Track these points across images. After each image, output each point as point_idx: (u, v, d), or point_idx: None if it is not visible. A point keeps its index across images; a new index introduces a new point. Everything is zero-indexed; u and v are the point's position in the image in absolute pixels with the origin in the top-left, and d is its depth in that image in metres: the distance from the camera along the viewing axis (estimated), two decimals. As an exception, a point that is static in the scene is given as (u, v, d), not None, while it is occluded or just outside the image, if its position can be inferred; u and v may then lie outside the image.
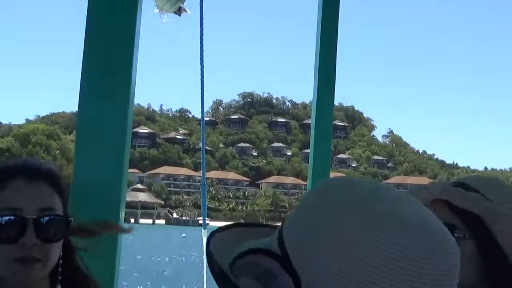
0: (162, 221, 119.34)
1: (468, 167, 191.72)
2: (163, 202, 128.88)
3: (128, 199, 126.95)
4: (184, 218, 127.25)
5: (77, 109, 2.19)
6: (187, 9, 3.92)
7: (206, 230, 4.12)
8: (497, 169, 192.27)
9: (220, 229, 0.98)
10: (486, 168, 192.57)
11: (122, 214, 2.15)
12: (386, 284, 0.75)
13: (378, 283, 0.75)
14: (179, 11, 3.82)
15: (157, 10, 3.72)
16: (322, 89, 3.67)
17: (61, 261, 1.57)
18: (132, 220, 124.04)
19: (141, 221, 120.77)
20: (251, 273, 0.83)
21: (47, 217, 1.48)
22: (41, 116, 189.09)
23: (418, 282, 0.75)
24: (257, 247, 0.85)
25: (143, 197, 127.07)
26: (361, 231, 0.76)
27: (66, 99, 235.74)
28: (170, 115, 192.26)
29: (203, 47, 4.01)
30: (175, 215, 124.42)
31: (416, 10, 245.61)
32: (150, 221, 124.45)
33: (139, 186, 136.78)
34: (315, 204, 0.83)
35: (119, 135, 2.15)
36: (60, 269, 1.57)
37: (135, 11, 2.23)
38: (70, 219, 1.56)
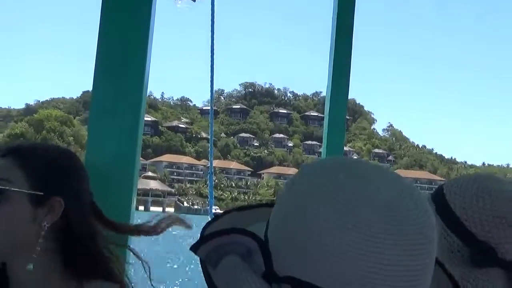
0: (172, 209, 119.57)
1: (465, 162, 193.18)
2: (173, 190, 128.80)
3: (139, 186, 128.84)
4: (195, 207, 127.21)
5: (91, 92, 2.18)
6: None
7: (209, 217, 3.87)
8: (495, 165, 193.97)
9: (217, 217, 1.00)
10: (484, 163, 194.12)
11: (134, 199, 2.14)
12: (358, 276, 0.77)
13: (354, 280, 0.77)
14: None
15: None
16: (336, 80, 3.62)
17: (44, 229, 1.53)
18: (142, 208, 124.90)
19: (152, 208, 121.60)
20: (234, 249, 0.87)
21: None
22: (40, 101, 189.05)
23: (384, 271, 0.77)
24: (238, 228, 0.89)
25: (154, 184, 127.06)
26: (325, 228, 0.78)
27: (65, 85, 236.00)
28: (171, 103, 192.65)
29: (214, 40, 3.84)
30: (185, 204, 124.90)
31: (418, 4, 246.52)
32: (160, 209, 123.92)
33: (150, 173, 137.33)
34: (287, 194, 0.87)
35: (133, 117, 2.13)
36: (42, 234, 1.53)
37: None
38: (38, 193, 1.52)
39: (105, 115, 2.14)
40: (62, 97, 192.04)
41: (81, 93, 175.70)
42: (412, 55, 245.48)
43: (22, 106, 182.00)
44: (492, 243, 1.36)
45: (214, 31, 3.85)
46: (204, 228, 0.97)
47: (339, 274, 0.77)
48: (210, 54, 3.95)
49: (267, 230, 0.88)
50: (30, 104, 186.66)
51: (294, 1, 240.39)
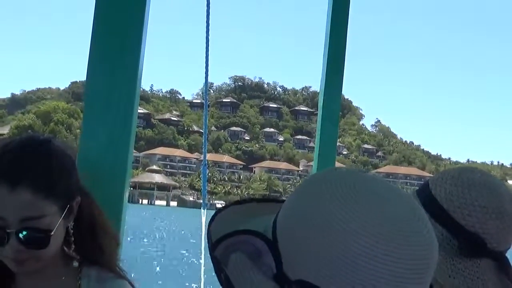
0: (175, 203, 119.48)
1: (449, 158, 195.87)
2: (178, 184, 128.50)
3: (145, 180, 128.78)
4: (201, 201, 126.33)
5: (85, 82, 2.21)
6: None
7: (206, 211, 4.11)
8: (478, 162, 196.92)
9: (225, 206, 1.03)
10: (468, 160, 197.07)
11: (127, 191, 2.16)
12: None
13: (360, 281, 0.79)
14: None
15: None
16: (330, 74, 3.59)
17: (72, 231, 1.61)
18: (145, 202, 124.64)
19: (157, 202, 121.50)
20: (243, 250, 0.88)
21: (27, 231, 1.48)
22: (26, 91, 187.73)
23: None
24: (246, 229, 0.91)
25: (159, 178, 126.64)
26: (339, 236, 0.80)
27: (51, 75, 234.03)
28: (160, 95, 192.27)
29: (209, 34, 3.79)
30: (191, 198, 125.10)
31: (408, 1, 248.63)
32: (164, 202, 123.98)
33: (155, 167, 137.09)
34: (298, 197, 0.89)
35: (126, 109, 2.14)
36: (73, 239, 1.62)
37: None
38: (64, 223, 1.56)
39: (99, 106, 2.13)
40: (49, 87, 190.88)
41: (70, 83, 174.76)
42: (399, 53, 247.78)
43: (8, 95, 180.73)
44: (481, 234, 1.37)
45: (209, 23, 3.73)
46: (211, 219, 0.99)
47: (350, 280, 0.79)
48: (205, 50, 3.81)
49: (275, 230, 0.88)
50: (16, 93, 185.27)
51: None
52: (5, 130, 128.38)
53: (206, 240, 0.95)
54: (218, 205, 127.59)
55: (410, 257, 0.80)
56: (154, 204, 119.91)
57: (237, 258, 0.87)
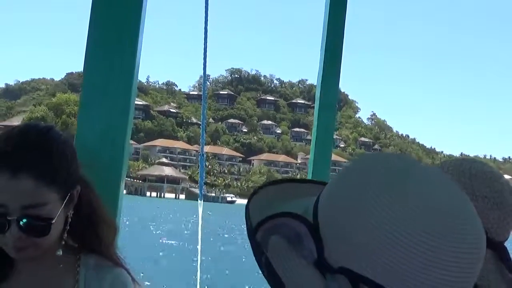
0: (183, 196, 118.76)
1: (442, 152, 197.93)
2: (187, 177, 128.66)
3: (155, 172, 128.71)
4: (211, 194, 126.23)
5: (82, 72, 2.22)
6: None
7: (202, 201, 4.09)
8: (471, 155, 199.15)
9: (261, 186, 1.00)
10: (462, 154, 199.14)
11: (123, 181, 2.17)
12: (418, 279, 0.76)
13: (411, 279, 0.76)
14: None
15: None
16: (328, 66, 3.54)
17: (70, 219, 1.62)
18: (154, 194, 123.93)
19: (167, 195, 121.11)
20: (283, 233, 0.86)
21: (28, 218, 1.50)
22: (20, 81, 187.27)
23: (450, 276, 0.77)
24: (287, 211, 0.88)
25: (169, 171, 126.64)
26: (386, 219, 0.77)
27: (45, 66, 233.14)
28: (157, 87, 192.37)
29: (207, 26, 3.74)
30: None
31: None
32: (173, 195, 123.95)
33: (165, 160, 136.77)
34: (345, 182, 0.84)
35: (124, 99, 2.15)
36: (68, 228, 1.62)
37: None
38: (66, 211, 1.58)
39: (96, 96, 2.15)
40: (43, 77, 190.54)
41: (65, 74, 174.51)
42: (393, 47, 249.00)
43: (2, 85, 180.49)
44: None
45: (208, 15, 3.69)
46: (248, 200, 0.96)
47: (398, 270, 0.76)
48: (203, 42, 3.76)
49: (316, 214, 0.85)
50: (10, 84, 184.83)
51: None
52: (15, 122, 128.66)
53: (245, 221, 0.91)
54: (229, 198, 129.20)
55: (462, 261, 0.77)
56: (164, 197, 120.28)
57: (277, 241, 0.85)
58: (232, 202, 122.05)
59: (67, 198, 1.57)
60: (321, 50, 3.58)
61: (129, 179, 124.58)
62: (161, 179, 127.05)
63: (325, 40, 3.54)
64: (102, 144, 2.14)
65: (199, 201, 4.10)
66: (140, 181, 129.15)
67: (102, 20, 2.19)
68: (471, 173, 1.44)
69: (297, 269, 0.82)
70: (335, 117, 3.71)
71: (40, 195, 1.50)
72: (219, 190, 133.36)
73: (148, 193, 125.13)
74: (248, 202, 0.95)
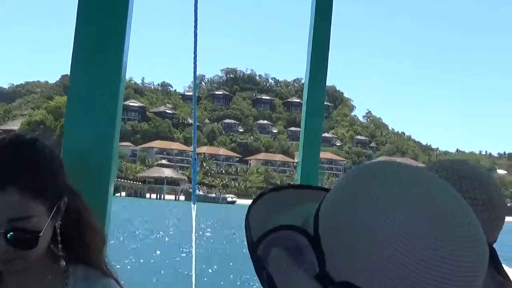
0: (183, 197, 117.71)
1: (437, 148, 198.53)
2: (186, 178, 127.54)
3: (155, 174, 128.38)
4: (212, 195, 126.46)
5: (69, 77, 2.21)
6: None
7: (195, 205, 4.06)
8: (467, 151, 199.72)
9: (262, 194, 0.97)
10: (457, 150, 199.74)
11: (112, 186, 2.16)
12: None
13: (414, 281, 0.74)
14: None
15: None
16: (315, 66, 3.55)
17: (58, 230, 1.60)
18: (154, 196, 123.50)
19: (167, 197, 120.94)
20: (283, 245, 0.83)
21: (15, 231, 1.48)
22: (15, 84, 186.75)
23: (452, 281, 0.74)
24: (288, 224, 0.85)
25: (169, 173, 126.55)
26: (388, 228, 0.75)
27: (39, 68, 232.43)
28: (152, 88, 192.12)
29: (197, 27, 3.72)
30: (200, 192, 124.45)
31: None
32: (173, 197, 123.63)
33: (164, 162, 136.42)
34: (346, 193, 0.82)
35: (111, 103, 2.15)
36: (59, 238, 1.61)
37: None
38: (53, 223, 1.57)
39: (83, 100, 2.14)
40: (37, 80, 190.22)
41: (60, 76, 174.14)
42: (387, 44, 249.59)
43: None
44: None
45: (197, 16, 3.67)
46: (248, 210, 0.94)
47: (408, 283, 0.74)
48: (193, 41, 3.75)
49: (317, 225, 0.83)
50: (4, 87, 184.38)
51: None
52: (14, 125, 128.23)
53: (245, 234, 0.90)
54: (229, 199, 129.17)
55: (462, 273, 0.74)
56: (164, 199, 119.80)
57: (278, 253, 0.83)
58: (233, 202, 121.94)
59: (54, 209, 1.56)
60: (307, 54, 3.61)
61: (128, 181, 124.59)
62: (160, 180, 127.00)
63: (311, 45, 3.57)
64: (90, 150, 2.12)
65: (192, 204, 4.10)
66: (140, 183, 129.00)
67: (88, 26, 2.18)
68: (460, 174, 1.44)
69: (298, 283, 0.81)
70: (322, 120, 3.75)
71: (26, 208, 1.49)
72: (219, 190, 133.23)
73: (147, 195, 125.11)
74: (247, 213, 0.93)
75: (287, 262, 0.82)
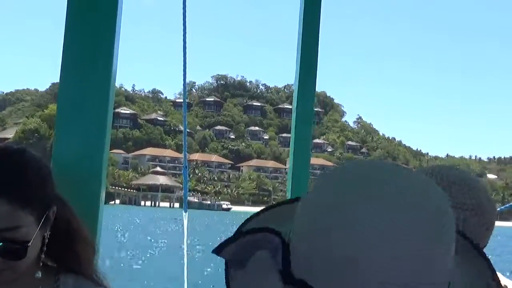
0: (177, 204, 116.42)
1: (427, 153, 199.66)
2: (181, 185, 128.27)
3: (149, 182, 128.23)
4: (207, 202, 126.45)
5: (58, 86, 2.21)
6: None
7: (187, 214, 4.07)
8: (456, 156, 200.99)
9: (261, 211, 1.00)
10: (447, 155, 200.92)
11: (103, 194, 2.16)
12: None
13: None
14: None
15: None
16: (304, 73, 3.58)
17: (47, 240, 1.60)
18: (148, 203, 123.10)
19: (161, 204, 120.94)
20: (266, 246, 0.85)
21: (4, 242, 1.48)
22: (4, 92, 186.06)
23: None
24: (264, 227, 0.88)
25: (163, 180, 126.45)
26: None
27: (28, 76, 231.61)
28: (143, 95, 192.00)
29: (186, 33, 3.73)
30: (195, 199, 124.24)
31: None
32: (168, 204, 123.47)
33: (159, 169, 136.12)
34: (307, 200, 0.84)
35: (101, 112, 2.16)
36: (45, 249, 1.60)
37: None
38: (42, 233, 1.56)
39: (73, 109, 2.15)
40: (27, 88, 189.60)
41: (50, 84, 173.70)
42: (375, 49, 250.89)
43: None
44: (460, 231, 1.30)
45: (186, 24, 3.68)
46: (244, 224, 0.96)
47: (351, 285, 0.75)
48: (182, 48, 3.74)
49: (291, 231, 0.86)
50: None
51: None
52: (8, 134, 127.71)
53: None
54: (224, 206, 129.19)
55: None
56: (158, 206, 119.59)
57: (261, 254, 0.85)
58: (228, 209, 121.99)
59: (43, 219, 1.56)
60: (296, 61, 3.65)
61: (122, 189, 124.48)
62: (155, 188, 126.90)
63: (300, 52, 3.61)
64: (80, 158, 2.12)
65: (183, 212, 4.09)
66: (134, 191, 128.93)
67: (77, 34, 2.18)
68: (450, 180, 1.45)
69: (268, 281, 0.83)
70: (311, 128, 3.78)
71: (15, 218, 1.49)
72: (211, 197, 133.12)
73: (142, 203, 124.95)
74: (243, 225, 0.96)
75: (265, 263, 0.84)
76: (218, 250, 0.87)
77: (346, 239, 0.74)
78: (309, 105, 3.67)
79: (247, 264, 0.86)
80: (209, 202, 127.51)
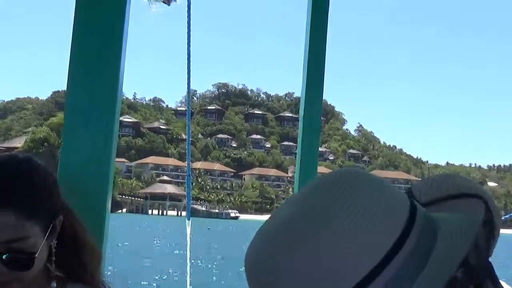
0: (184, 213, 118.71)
1: (427, 161, 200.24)
2: (193, 194, 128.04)
3: (157, 190, 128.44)
4: (215, 210, 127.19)
5: (65, 94, 2.21)
6: None
7: (190, 221, 4.03)
8: (456, 164, 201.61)
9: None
10: (447, 163, 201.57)
11: (109, 202, 2.17)
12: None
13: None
14: (167, 0, 3.66)
15: None
16: (311, 82, 3.57)
17: (54, 249, 1.59)
18: (156, 212, 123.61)
19: (169, 213, 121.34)
20: None
21: (11, 253, 1.47)
22: (5, 101, 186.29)
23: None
24: None
25: (171, 189, 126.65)
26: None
27: (28, 85, 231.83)
28: (144, 103, 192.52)
29: (190, 41, 3.72)
30: (202, 208, 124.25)
31: (390, 5, 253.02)
32: (175, 212, 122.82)
33: (166, 178, 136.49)
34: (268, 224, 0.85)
35: (107, 120, 2.16)
36: (54, 259, 1.60)
37: None
38: (49, 242, 1.55)
39: (80, 117, 2.16)
40: (28, 96, 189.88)
41: (52, 93, 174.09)
42: (376, 57, 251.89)
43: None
44: None
45: (191, 33, 3.67)
46: None
47: None
48: (186, 57, 3.72)
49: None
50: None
51: (265, 3, 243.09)
52: (17, 143, 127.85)
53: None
54: (232, 214, 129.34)
55: None
56: (166, 215, 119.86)
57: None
58: (236, 218, 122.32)
59: (49, 229, 1.55)
60: (303, 70, 3.63)
61: (129, 197, 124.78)
62: (163, 197, 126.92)
63: (307, 61, 3.58)
64: (87, 167, 2.13)
65: (187, 221, 4.03)
66: (142, 199, 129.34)
67: (84, 43, 2.20)
68: (453, 188, 1.45)
69: None
70: (319, 137, 3.73)
71: (22, 229, 1.49)
72: (222, 206, 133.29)
73: (150, 211, 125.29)
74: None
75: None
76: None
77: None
78: (316, 114, 3.64)
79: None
80: (217, 210, 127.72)
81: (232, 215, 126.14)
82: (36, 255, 1.51)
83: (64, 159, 2.14)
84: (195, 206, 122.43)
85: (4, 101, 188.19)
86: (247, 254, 0.83)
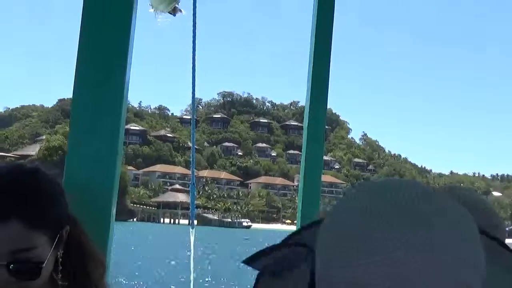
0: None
1: (431, 170, 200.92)
2: (200, 203, 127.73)
3: (170, 199, 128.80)
4: (227, 219, 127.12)
5: (71, 102, 2.22)
6: (182, 9, 3.77)
7: (194, 230, 4.01)
8: (460, 173, 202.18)
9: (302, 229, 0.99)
10: (451, 172, 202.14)
11: (114, 210, 2.17)
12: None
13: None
14: (173, 11, 3.74)
15: (152, 10, 3.62)
16: (315, 94, 3.58)
17: (60, 259, 1.60)
18: (167, 220, 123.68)
19: (181, 221, 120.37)
20: (298, 264, 0.88)
21: (18, 263, 1.48)
22: (10, 108, 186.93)
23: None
24: (291, 241, 0.93)
25: (183, 198, 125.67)
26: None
27: (34, 92, 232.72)
28: (149, 112, 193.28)
29: (195, 50, 3.75)
30: (214, 216, 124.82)
31: (395, 14, 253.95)
32: (186, 221, 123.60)
33: (178, 186, 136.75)
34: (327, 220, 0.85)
35: (113, 128, 2.16)
36: (60, 268, 1.60)
37: (130, 7, 2.26)
38: (57, 251, 1.56)
39: (85, 126, 2.16)
40: (33, 104, 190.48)
41: (57, 100, 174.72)
42: (379, 65, 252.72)
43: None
44: None
45: (196, 42, 3.70)
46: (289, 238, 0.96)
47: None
48: (191, 66, 3.77)
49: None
50: (0, 111, 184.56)
51: (271, 11, 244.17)
52: (31, 151, 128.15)
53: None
54: (245, 223, 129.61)
55: None
56: (179, 224, 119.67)
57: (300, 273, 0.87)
58: (248, 227, 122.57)
59: (56, 239, 1.55)
60: (307, 79, 3.65)
61: (140, 206, 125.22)
62: (175, 205, 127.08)
63: (311, 71, 3.62)
64: (92, 178, 2.14)
65: (190, 229, 4.03)
66: (154, 208, 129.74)
67: (90, 51, 2.22)
68: (460, 201, 1.44)
69: None
70: (323, 148, 3.75)
71: (29, 239, 1.49)
72: (235, 216, 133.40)
73: (162, 220, 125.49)
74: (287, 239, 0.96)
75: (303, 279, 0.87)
76: (251, 260, 0.90)
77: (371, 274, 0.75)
78: (321, 124, 3.68)
79: (286, 275, 0.88)
80: (229, 219, 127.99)
81: (245, 224, 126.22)
82: (43, 265, 1.51)
83: (69, 167, 2.14)
84: (207, 215, 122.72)
85: (9, 108, 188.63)
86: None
